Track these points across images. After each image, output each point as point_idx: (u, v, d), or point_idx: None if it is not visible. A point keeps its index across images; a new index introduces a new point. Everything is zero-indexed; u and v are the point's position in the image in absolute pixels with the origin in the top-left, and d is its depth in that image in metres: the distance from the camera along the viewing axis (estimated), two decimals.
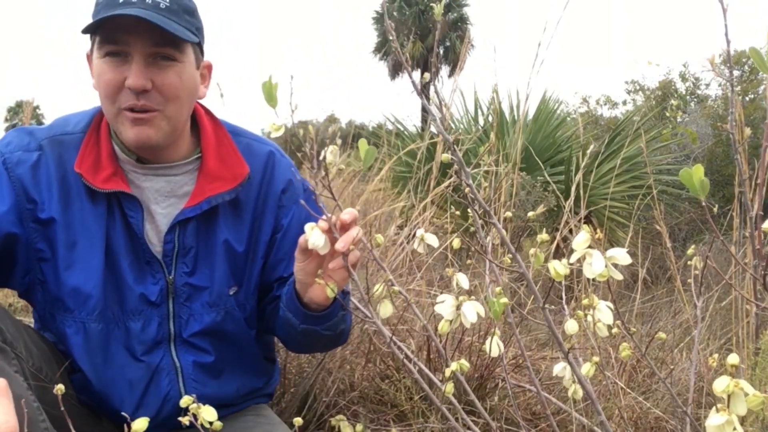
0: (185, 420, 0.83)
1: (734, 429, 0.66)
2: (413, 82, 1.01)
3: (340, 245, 0.98)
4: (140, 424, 0.78)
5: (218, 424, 0.83)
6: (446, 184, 2.39)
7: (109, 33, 1.10)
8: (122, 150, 1.19)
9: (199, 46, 1.19)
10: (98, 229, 1.16)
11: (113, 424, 1.23)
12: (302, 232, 1.29)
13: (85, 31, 1.11)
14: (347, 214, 0.99)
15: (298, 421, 0.93)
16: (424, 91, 1.05)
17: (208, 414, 0.83)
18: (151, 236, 1.20)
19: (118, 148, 1.19)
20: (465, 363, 0.97)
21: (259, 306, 1.31)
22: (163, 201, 1.21)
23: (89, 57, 1.18)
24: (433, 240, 1.11)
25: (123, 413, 1.17)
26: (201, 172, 1.22)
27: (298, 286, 1.12)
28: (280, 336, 1.29)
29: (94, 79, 1.16)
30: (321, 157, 0.92)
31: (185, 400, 0.83)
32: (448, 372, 0.95)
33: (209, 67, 1.26)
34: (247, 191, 1.25)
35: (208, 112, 1.29)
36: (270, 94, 0.87)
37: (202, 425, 0.81)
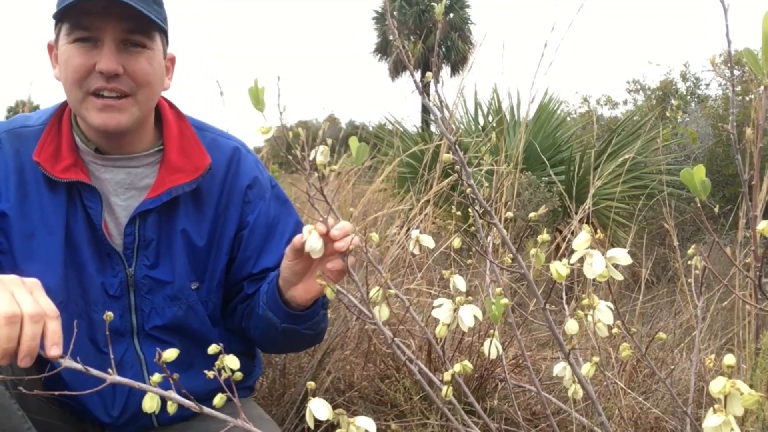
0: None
1: (731, 429, 0.66)
2: (415, 82, 1.00)
3: (340, 245, 0.97)
4: None
5: (238, 374, 0.81)
6: (445, 182, 2.39)
7: (78, 18, 1.07)
8: (82, 140, 1.17)
9: (165, 37, 1.18)
10: (57, 219, 1.14)
11: (97, 428, 1.21)
12: (270, 228, 1.27)
13: (55, 17, 1.09)
14: (338, 230, 0.97)
15: None
16: (425, 90, 1.04)
17: (231, 362, 0.82)
18: (112, 229, 1.18)
19: (79, 138, 1.18)
20: (468, 364, 0.96)
21: (229, 305, 1.29)
22: (123, 193, 1.19)
23: (51, 47, 1.16)
24: (428, 241, 1.10)
25: (91, 409, 1.16)
26: (162, 164, 1.20)
27: (281, 283, 1.11)
28: (254, 336, 1.26)
29: (57, 67, 1.14)
30: (311, 158, 0.90)
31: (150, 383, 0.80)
32: (447, 375, 0.95)
33: (173, 60, 1.25)
34: (209, 184, 1.23)
35: (172, 105, 1.27)
36: (257, 99, 0.85)
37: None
